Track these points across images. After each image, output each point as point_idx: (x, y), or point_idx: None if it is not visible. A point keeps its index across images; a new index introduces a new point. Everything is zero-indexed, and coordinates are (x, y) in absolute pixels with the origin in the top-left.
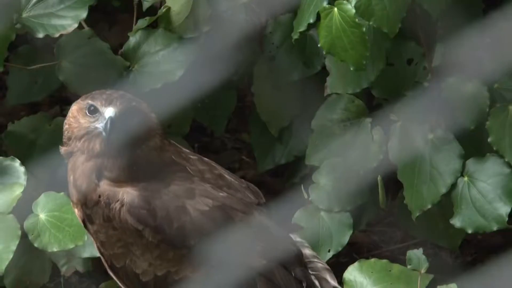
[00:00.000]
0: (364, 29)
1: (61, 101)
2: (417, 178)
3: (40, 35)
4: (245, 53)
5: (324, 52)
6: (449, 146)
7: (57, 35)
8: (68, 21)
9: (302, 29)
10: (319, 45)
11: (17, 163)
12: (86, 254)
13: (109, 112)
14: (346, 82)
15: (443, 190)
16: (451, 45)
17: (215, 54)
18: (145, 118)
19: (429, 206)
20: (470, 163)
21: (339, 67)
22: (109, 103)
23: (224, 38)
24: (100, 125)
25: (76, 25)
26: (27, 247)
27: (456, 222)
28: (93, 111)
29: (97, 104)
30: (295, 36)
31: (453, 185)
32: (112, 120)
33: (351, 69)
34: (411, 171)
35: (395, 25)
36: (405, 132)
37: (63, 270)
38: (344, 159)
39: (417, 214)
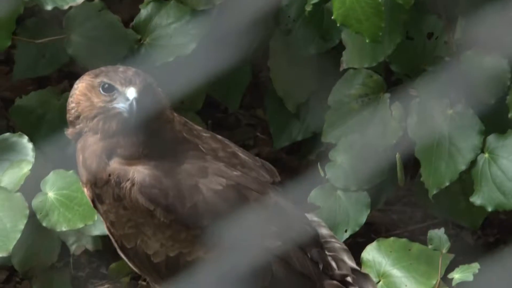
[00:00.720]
0: None
1: (70, 76)
2: (435, 155)
3: (49, 7)
4: (260, 27)
5: (338, 25)
6: (468, 122)
7: (66, 7)
8: None
9: (315, 0)
10: (332, 17)
11: (25, 139)
12: (96, 232)
13: (132, 92)
14: (362, 56)
15: (462, 167)
16: (472, 19)
17: (229, 28)
18: (159, 97)
19: (447, 184)
20: (491, 139)
21: (355, 40)
22: (129, 82)
23: (239, 11)
24: (120, 105)
25: None
26: (35, 227)
27: (476, 200)
28: (109, 89)
29: (115, 83)
30: (308, 8)
31: (473, 162)
32: (136, 101)
33: (367, 41)
34: (429, 148)
35: None
36: (424, 107)
37: (72, 249)
38: (362, 136)
39: (434, 192)
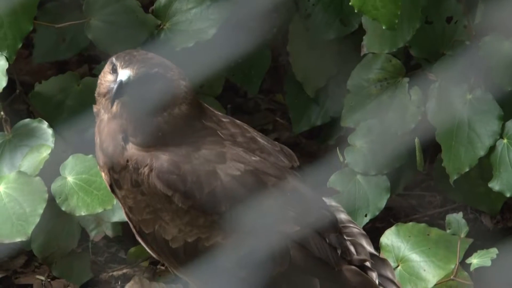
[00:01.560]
0: None
1: (90, 60)
2: (455, 140)
3: None
4: (280, 11)
5: (355, 11)
6: (488, 107)
7: None
8: None
9: None
10: (350, 4)
11: (44, 125)
12: (116, 218)
13: (122, 74)
14: (382, 41)
15: (481, 152)
16: (492, 3)
17: (249, 12)
18: (170, 85)
19: (467, 169)
20: (510, 125)
21: (375, 25)
22: (127, 65)
23: None
24: (113, 86)
25: None
26: (55, 211)
27: (495, 185)
28: (114, 70)
29: (117, 64)
30: None
31: (492, 148)
32: (121, 83)
33: (383, 27)
34: (449, 133)
35: None
36: (443, 92)
37: (92, 235)
38: (381, 120)
39: (455, 177)
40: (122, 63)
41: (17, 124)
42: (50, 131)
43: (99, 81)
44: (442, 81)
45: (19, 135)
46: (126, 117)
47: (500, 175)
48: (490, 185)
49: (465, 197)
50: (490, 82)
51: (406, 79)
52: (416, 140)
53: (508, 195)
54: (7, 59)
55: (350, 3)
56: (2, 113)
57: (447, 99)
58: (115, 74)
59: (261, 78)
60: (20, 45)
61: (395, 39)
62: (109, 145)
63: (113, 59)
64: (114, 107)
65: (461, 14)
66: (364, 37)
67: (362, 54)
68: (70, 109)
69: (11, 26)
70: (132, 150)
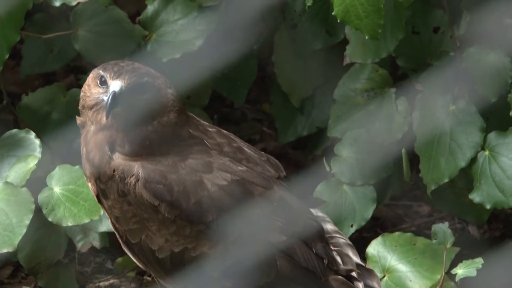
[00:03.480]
0: None
1: (76, 70)
2: (436, 151)
3: (57, 3)
4: (267, 21)
5: (338, 21)
6: (470, 119)
7: (74, 3)
8: None
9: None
10: (332, 14)
11: (32, 135)
12: (103, 228)
13: (114, 86)
14: (365, 51)
15: (462, 163)
16: (477, 15)
17: (235, 22)
18: (158, 94)
19: (446, 180)
20: (492, 137)
21: (358, 35)
22: (117, 76)
23: (245, 5)
24: (105, 98)
25: None
26: (42, 222)
27: (475, 197)
28: (103, 82)
29: (107, 75)
30: (309, 3)
31: (473, 159)
32: (115, 94)
33: (366, 37)
34: (430, 143)
35: None
36: (427, 102)
37: (79, 246)
38: (368, 130)
39: (433, 188)
40: (112, 74)
41: (4, 134)
42: (37, 141)
43: (82, 93)
44: (427, 92)
45: (6, 145)
46: (116, 127)
47: (480, 187)
48: (470, 196)
49: (451, 207)
50: (474, 93)
51: (393, 90)
52: (403, 151)
53: (488, 207)
54: None
55: (333, 13)
56: None
57: (431, 109)
58: (105, 86)
59: (248, 88)
60: (7, 56)
61: (378, 49)
62: (96, 155)
63: (100, 71)
64: (104, 118)
65: (447, 24)
66: (347, 47)
67: (344, 63)
68: (57, 120)
69: None
70: (118, 160)
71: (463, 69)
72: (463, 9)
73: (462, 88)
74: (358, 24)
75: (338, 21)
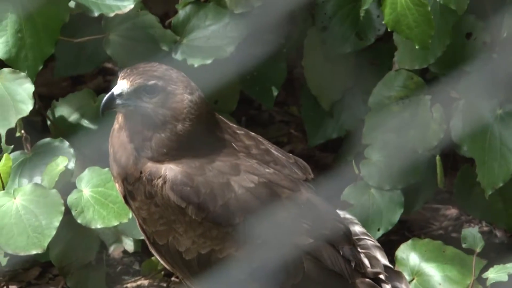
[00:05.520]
0: (429, 8)
1: (104, 72)
2: (488, 155)
3: (95, 14)
4: (297, 24)
5: (389, 29)
6: None
7: (112, 14)
8: (124, 2)
9: (367, 6)
10: (383, 22)
11: (65, 144)
12: (138, 235)
13: (117, 86)
14: (413, 57)
15: None
16: None
17: (265, 25)
18: (170, 99)
19: (501, 184)
20: None
21: (406, 41)
22: (125, 76)
23: (276, 8)
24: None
25: (132, 6)
26: (74, 224)
27: None
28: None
29: (120, 75)
30: (362, 13)
31: None
32: (112, 94)
33: (416, 47)
34: (481, 148)
35: (463, 2)
36: (470, 108)
37: (111, 249)
38: (399, 135)
39: (490, 192)
40: (122, 75)
41: (37, 142)
42: (71, 150)
43: None
44: (468, 98)
45: (39, 154)
46: (129, 129)
47: None
48: None
49: (482, 213)
50: None
51: (428, 97)
52: (438, 158)
53: None
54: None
55: (383, 22)
56: (22, 131)
57: (475, 115)
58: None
59: (277, 91)
60: (40, 67)
61: (426, 55)
62: (122, 155)
63: (120, 72)
64: (120, 117)
65: (480, 30)
66: (395, 53)
67: (393, 70)
68: (87, 125)
69: (33, 48)
70: (145, 161)
71: (506, 73)
72: (505, 13)
73: (508, 92)
74: (408, 34)
75: (389, 30)
